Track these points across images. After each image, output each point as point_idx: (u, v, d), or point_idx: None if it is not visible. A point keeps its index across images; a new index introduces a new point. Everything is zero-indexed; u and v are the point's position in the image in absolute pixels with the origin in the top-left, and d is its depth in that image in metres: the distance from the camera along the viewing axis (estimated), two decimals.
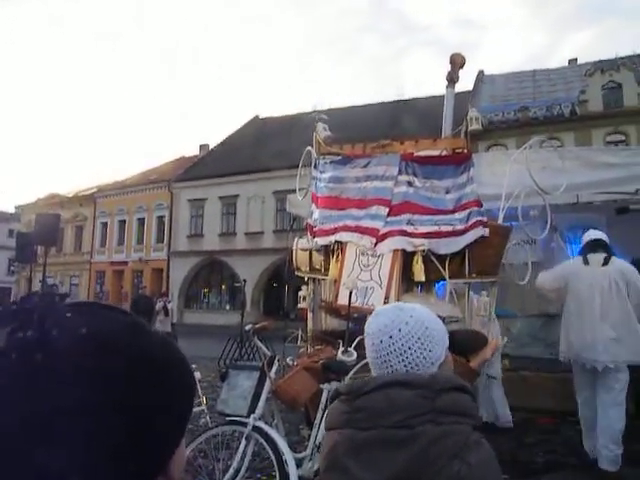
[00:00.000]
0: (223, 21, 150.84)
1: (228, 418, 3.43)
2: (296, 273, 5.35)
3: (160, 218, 36.75)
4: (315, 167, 5.12)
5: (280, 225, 29.47)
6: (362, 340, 3.87)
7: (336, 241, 4.63)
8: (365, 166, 4.69)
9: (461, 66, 5.82)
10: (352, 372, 3.90)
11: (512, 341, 7.73)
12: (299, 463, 3.42)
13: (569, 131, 25.05)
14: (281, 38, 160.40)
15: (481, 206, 4.53)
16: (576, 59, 32.83)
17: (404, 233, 4.31)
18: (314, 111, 5.33)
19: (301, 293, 5.18)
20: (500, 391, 5.89)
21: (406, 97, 34.06)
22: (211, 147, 39.66)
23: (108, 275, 38.14)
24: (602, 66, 27.31)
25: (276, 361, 3.59)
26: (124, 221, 38.13)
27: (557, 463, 4.71)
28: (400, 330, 1.27)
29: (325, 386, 3.61)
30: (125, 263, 37.14)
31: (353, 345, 4.07)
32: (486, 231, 4.47)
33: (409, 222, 4.33)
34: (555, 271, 5.20)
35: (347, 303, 4.08)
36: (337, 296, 4.38)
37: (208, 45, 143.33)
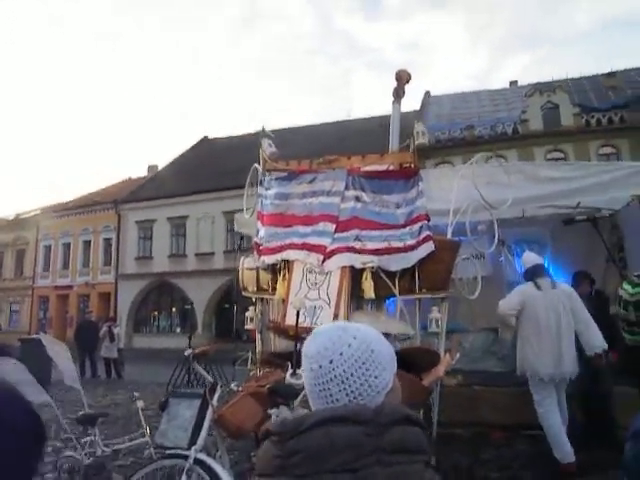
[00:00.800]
0: (171, 43, 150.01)
1: (168, 451, 3.19)
2: (243, 293, 5.15)
3: (107, 240, 35.70)
4: (261, 184, 4.98)
5: (231, 245, 29.08)
6: None
7: (283, 259, 4.48)
8: (311, 182, 4.57)
9: (407, 82, 5.84)
10: (301, 395, 3.74)
11: (464, 356, 7.73)
12: None
13: (512, 149, 25.91)
14: (231, 60, 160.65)
15: (429, 220, 4.49)
16: (516, 81, 34.17)
17: (352, 250, 4.20)
18: (262, 130, 5.16)
19: (248, 314, 4.99)
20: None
21: (353, 117, 34.54)
22: (159, 168, 38.96)
23: (52, 300, 36.59)
24: (540, 88, 28.48)
25: (219, 387, 3.35)
26: (69, 244, 36.81)
27: (512, 478, 4.64)
28: (342, 354, 1.10)
29: (273, 411, 3.42)
30: (70, 287, 35.77)
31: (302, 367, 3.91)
32: (434, 247, 4.42)
33: (357, 238, 4.23)
34: (514, 297, 5.40)
35: (295, 323, 3.92)
36: (285, 316, 4.21)
37: (154, 66, 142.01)
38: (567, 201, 6.64)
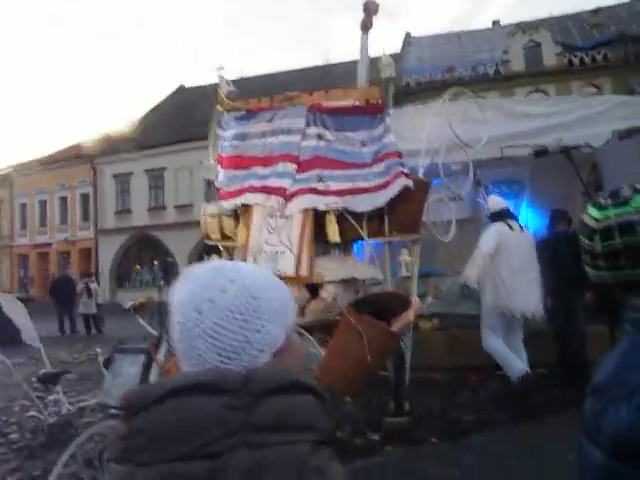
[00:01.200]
0: None
1: (112, 411, 2.98)
2: (206, 242, 4.91)
3: (84, 196, 34.97)
4: (219, 125, 4.65)
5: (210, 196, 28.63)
6: None
7: (242, 204, 4.22)
8: (270, 120, 4.26)
9: (375, 13, 5.44)
10: None
11: (441, 299, 7.65)
12: None
13: (494, 90, 25.35)
14: (205, 5, 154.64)
15: (400, 157, 4.22)
16: (499, 21, 33.25)
17: (314, 191, 3.94)
18: (219, 68, 4.77)
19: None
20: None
21: (331, 62, 33.52)
22: (135, 119, 37.83)
23: (32, 258, 36.09)
24: (523, 27, 27.75)
25: (165, 342, 3.09)
26: (45, 201, 36.02)
27: (486, 421, 4.59)
28: (213, 301, 0.84)
29: None
30: (49, 245, 35.24)
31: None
32: (410, 182, 4.17)
33: (320, 179, 3.96)
34: (491, 237, 5.41)
35: None
36: None
37: (129, 14, 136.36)
38: (546, 139, 6.39)
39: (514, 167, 8.95)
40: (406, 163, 4.98)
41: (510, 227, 5.39)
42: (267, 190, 4.07)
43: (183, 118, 32.14)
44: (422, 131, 5.78)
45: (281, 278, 3.04)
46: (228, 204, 4.31)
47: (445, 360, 5.88)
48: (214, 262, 0.93)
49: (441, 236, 5.32)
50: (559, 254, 5.83)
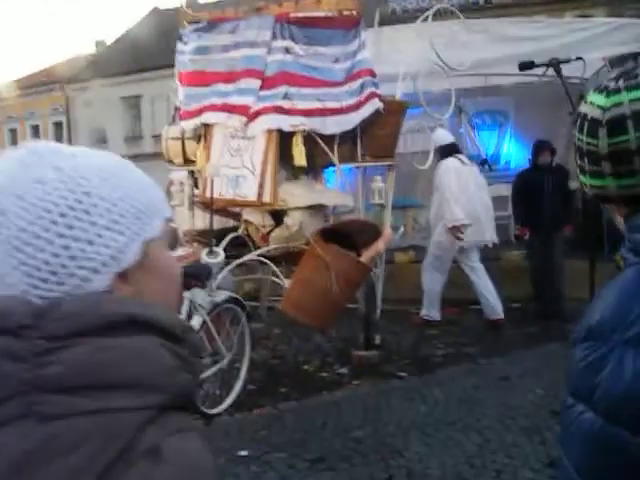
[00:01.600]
0: None
1: None
2: (169, 167, 4.58)
3: (57, 124, 33.71)
4: (180, 39, 4.23)
5: None
6: (237, 238, 3.22)
7: (203, 124, 3.87)
8: (233, 31, 3.83)
9: None
10: (221, 275, 3.34)
11: (419, 232, 7.48)
12: None
13: (485, 19, 24.46)
14: None
15: (375, 76, 3.88)
16: None
17: (280, 110, 3.60)
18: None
19: (173, 188, 4.46)
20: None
21: None
22: (108, 44, 36.04)
23: None
24: None
25: None
26: (15, 130, 34.69)
27: (456, 355, 4.50)
28: (21, 198, 0.55)
29: (186, 294, 3.03)
30: None
31: (223, 243, 3.48)
32: (381, 105, 3.85)
33: (286, 96, 3.61)
34: (455, 173, 5.27)
35: (215, 194, 3.43)
36: (206, 188, 3.69)
37: None
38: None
39: (498, 97, 8.62)
40: (385, 90, 4.65)
41: (462, 162, 5.37)
42: (228, 108, 3.72)
43: (159, 42, 30.57)
44: (402, 54, 5.41)
45: (243, 204, 2.73)
46: (188, 124, 3.96)
47: (420, 293, 5.74)
48: (39, 143, 0.61)
49: (418, 164, 5.08)
50: (542, 186, 5.63)
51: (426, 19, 4.90)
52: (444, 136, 5.41)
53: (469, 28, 5.87)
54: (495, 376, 3.82)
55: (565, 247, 5.77)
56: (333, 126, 3.70)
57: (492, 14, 24.69)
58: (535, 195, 5.64)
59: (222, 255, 3.15)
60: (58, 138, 33.55)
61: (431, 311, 5.51)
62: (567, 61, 2.73)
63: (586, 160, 0.83)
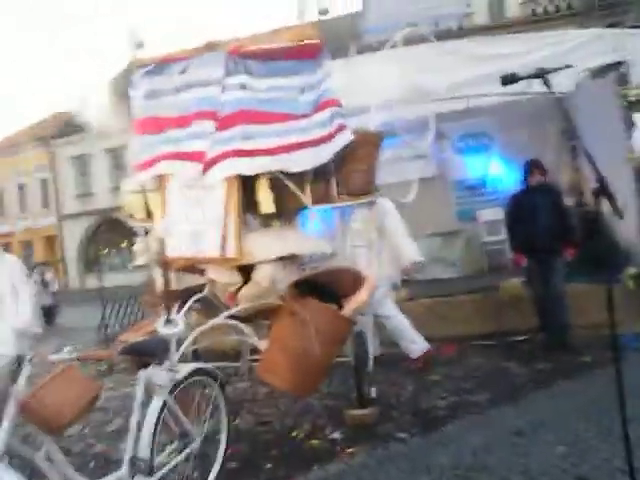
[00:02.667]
0: None
1: None
2: (130, 223, 4.21)
3: (43, 181, 33.59)
4: (131, 85, 3.91)
5: None
6: (199, 300, 2.80)
7: (158, 175, 3.51)
8: (183, 71, 3.50)
9: None
10: (183, 347, 2.92)
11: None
12: None
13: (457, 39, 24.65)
14: None
15: (341, 106, 3.54)
16: None
17: (240, 153, 3.22)
18: (130, 31, 3.92)
19: (135, 247, 4.07)
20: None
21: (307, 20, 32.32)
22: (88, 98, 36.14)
23: None
24: None
25: (27, 362, 2.29)
26: (1, 190, 34.59)
27: (461, 404, 4.04)
28: None
29: (140, 374, 2.60)
30: (10, 235, 33.89)
31: (184, 309, 3.07)
32: (353, 137, 3.51)
33: (245, 136, 3.24)
34: None
35: (172, 252, 3.05)
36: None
37: None
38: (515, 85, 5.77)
39: (482, 118, 8.35)
40: (359, 120, 4.33)
41: None
42: (182, 156, 3.35)
43: None
44: (373, 83, 5.13)
45: (205, 261, 2.26)
46: (143, 176, 3.59)
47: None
48: None
49: (401, 196, 4.74)
50: (536, 207, 5.29)
51: (394, 45, 4.61)
52: None
53: (440, 50, 5.62)
54: (507, 430, 3.37)
55: (567, 270, 5.39)
56: (304, 161, 3.32)
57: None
58: (530, 217, 5.31)
59: (181, 324, 2.74)
60: (44, 195, 33.37)
61: (418, 345, 5.07)
62: (556, 70, 2.40)
63: None
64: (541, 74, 2.30)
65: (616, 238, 6.25)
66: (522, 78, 2.37)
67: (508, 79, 2.39)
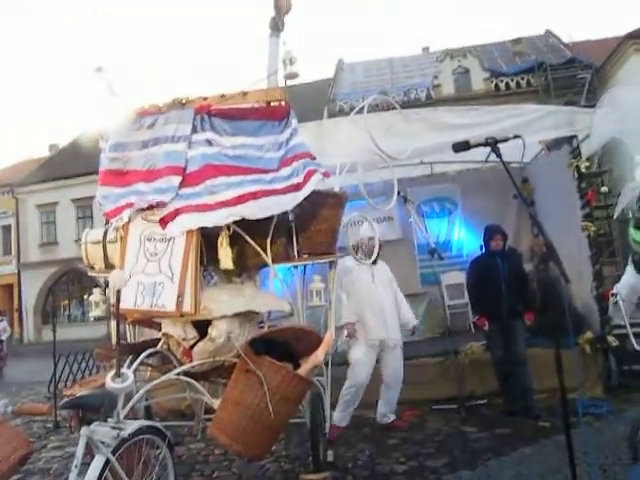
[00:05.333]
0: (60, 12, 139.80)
1: None
2: (90, 273, 4.13)
3: (5, 228, 32.86)
4: (102, 137, 3.94)
5: None
6: (155, 355, 2.72)
7: (120, 226, 3.48)
8: (152, 126, 3.56)
9: (287, 12, 4.90)
10: (131, 402, 2.82)
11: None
12: None
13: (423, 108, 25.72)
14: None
15: (314, 158, 3.63)
16: (428, 47, 34.06)
17: (201, 207, 3.24)
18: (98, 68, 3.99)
19: (92, 298, 3.99)
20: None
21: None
22: (60, 147, 36.12)
23: None
24: (451, 53, 28.50)
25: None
26: None
27: (419, 469, 3.96)
28: None
29: (82, 431, 2.49)
30: None
31: (136, 363, 2.99)
32: (324, 179, 3.58)
33: (209, 192, 3.26)
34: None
35: (127, 304, 2.99)
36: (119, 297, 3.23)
37: (50, 40, 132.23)
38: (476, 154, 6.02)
39: (445, 184, 8.64)
40: (328, 182, 4.43)
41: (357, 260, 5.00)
42: (144, 206, 3.35)
43: None
44: (341, 145, 5.28)
45: (160, 315, 2.21)
46: (109, 226, 3.57)
47: (373, 397, 5.25)
48: None
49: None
50: (497, 272, 5.39)
51: (361, 110, 4.78)
52: (365, 231, 5.11)
53: (407, 117, 5.84)
54: None
55: (527, 334, 5.46)
56: (268, 208, 3.34)
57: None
58: (491, 281, 5.39)
59: (131, 378, 2.65)
60: (6, 242, 32.57)
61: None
62: (505, 140, 2.53)
63: None
64: (491, 143, 2.42)
65: (572, 303, 6.40)
66: (473, 146, 2.48)
67: (460, 147, 2.50)
